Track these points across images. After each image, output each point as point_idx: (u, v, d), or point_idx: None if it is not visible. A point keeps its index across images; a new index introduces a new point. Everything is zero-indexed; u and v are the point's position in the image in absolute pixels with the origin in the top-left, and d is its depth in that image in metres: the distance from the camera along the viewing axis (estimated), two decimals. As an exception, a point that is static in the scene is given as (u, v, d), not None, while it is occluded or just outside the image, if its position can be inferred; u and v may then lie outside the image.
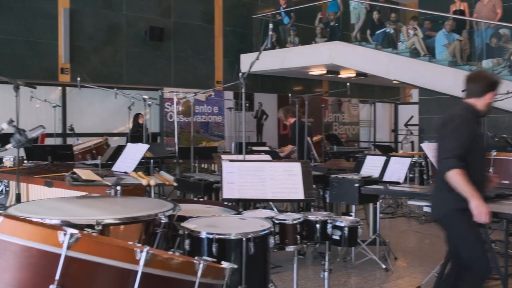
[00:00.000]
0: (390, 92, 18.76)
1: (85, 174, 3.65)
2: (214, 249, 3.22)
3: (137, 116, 11.63)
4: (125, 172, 6.04)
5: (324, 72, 14.83)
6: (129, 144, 6.56)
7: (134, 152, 6.26)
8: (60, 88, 12.68)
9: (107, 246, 1.78)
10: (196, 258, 1.98)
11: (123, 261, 1.77)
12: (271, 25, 4.64)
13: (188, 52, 14.33)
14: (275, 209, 5.68)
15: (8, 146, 2.81)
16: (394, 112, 19.28)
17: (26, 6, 11.87)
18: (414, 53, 12.15)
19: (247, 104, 13.91)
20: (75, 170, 3.79)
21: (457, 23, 11.92)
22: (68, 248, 1.69)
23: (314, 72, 15.03)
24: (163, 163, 9.37)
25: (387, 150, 11.41)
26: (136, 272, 1.79)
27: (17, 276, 1.71)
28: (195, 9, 14.48)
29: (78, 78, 7.30)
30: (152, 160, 7.92)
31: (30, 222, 1.82)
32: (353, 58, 12.88)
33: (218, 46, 14.95)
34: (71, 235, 1.70)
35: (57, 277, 1.68)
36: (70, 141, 11.70)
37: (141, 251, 1.79)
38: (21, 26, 11.83)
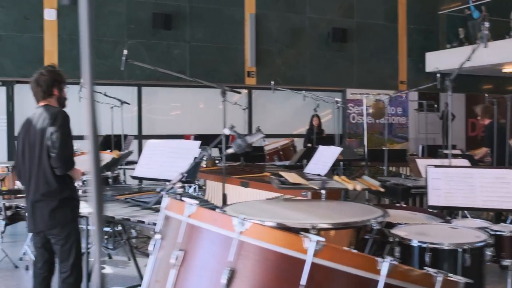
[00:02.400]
0: None
1: (291, 177, 3.72)
2: (427, 259, 3.09)
3: (312, 118, 11.62)
4: (319, 175, 6.12)
5: (520, 68, 13.80)
6: (321, 147, 6.62)
7: (327, 155, 6.30)
8: (246, 90, 13.19)
9: (349, 255, 1.77)
10: (434, 270, 1.90)
11: (365, 270, 1.74)
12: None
13: (371, 52, 14.14)
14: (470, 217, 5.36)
15: (229, 150, 2.94)
16: None
17: (216, 14, 12.54)
18: None
19: (436, 105, 13.35)
20: (281, 173, 3.88)
21: None
22: (314, 255, 1.70)
23: (508, 69, 14.01)
24: (350, 165, 9.34)
25: None
26: (377, 282, 1.75)
27: (262, 279, 1.76)
28: (378, 8, 14.26)
29: (272, 82, 7.51)
30: (341, 163, 7.89)
31: (275, 227, 1.85)
32: (555, 52, 11.82)
33: (402, 45, 14.57)
34: (317, 242, 1.71)
35: (303, 282, 1.70)
36: (256, 142, 12.12)
37: (383, 261, 1.75)
38: (211, 33, 12.52)
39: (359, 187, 3.66)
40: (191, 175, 4.47)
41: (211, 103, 12.92)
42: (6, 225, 7.40)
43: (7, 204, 8.08)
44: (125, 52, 4.40)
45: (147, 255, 5.86)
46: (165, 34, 12.07)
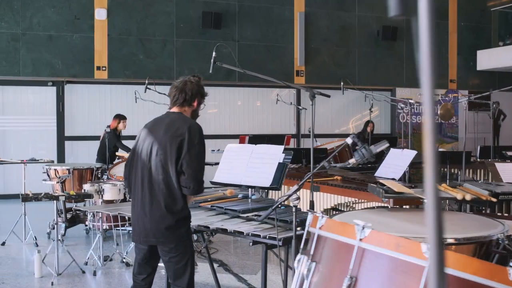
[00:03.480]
0: None
1: (395, 186, 3.52)
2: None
3: (367, 123, 11.38)
4: (393, 179, 5.90)
5: None
6: (392, 150, 6.38)
7: (399, 158, 6.08)
8: (294, 90, 12.99)
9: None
10: None
11: None
12: None
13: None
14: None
15: (351, 160, 2.75)
16: None
17: (266, 12, 12.36)
18: None
19: (494, 105, 12.95)
20: (382, 181, 3.69)
21: None
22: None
23: None
24: (412, 167, 9.05)
25: None
26: None
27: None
28: (429, 6, 13.89)
29: (342, 83, 7.30)
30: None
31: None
32: None
33: (452, 42, 14.20)
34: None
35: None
36: (307, 143, 11.93)
37: None
38: (260, 32, 12.36)
39: (468, 196, 3.43)
40: (277, 181, 4.31)
41: (260, 102, 12.80)
42: (66, 228, 7.36)
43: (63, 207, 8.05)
44: (214, 54, 4.24)
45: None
46: (214, 33, 11.95)
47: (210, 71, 4.22)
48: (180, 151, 3.36)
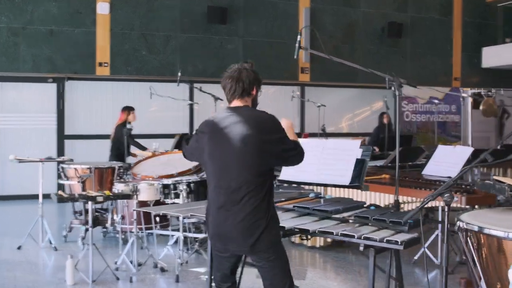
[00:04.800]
0: None
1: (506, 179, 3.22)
2: None
3: (382, 115, 11.18)
4: (449, 177, 5.61)
5: None
6: (440, 146, 6.12)
7: (451, 155, 5.80)
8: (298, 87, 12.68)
9: None
10: None
11: None
12: None
13: (425, 47, 13.61)
14: None
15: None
16: None
17: (271, 8, 12.04)
18: None
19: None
20: (495, 177, 3.38)
21: None
22: None
23: None
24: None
25: None
26: None
27: None
28: (433, 1, 13.72)
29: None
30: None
31: None
32: None
33: (457, 39, 14.03)
34: None
35: None
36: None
37: None
38: (265, 28, 12.03)
39: None
40: (357, 179, 3.96)
41: (270, 100, 12.48)
42: (87, 230, 6.90)
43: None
44: (299, 38, 3.91)
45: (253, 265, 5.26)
46: (218, 28, 11.57)
47: (295, 57, 3.90)
48: (268, 144, 3.06)
